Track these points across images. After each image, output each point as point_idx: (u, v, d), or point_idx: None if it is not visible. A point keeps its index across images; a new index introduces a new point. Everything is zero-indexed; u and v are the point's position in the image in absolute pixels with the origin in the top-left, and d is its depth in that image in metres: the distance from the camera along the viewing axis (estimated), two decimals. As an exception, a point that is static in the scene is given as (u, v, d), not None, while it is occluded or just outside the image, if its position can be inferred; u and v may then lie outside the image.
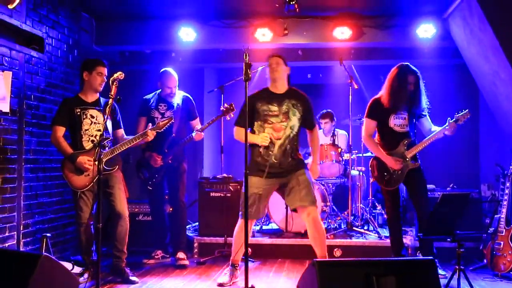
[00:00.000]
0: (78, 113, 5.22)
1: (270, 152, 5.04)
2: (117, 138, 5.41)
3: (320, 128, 7.28)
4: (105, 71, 5.25)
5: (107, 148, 5.12)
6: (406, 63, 5.52)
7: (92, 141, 5.21)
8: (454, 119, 5.38)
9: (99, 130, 5.21)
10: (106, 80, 5.25)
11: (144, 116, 6.17)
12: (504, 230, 5.52)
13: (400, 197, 5.74)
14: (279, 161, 5.05)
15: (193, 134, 6.00)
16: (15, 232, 5.36)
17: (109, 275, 5.38)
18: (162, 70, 6.22)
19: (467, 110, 5.38)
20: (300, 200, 5.00)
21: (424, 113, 5.62)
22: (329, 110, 7.84)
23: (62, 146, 5.19)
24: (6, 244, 5.22)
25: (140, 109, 6.26)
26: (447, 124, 5.40)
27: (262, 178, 5.03)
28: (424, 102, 5.54)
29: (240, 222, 5.18)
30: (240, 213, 5.20)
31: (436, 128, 5.55)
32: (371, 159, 5.81)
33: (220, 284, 5.17)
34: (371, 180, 6.00)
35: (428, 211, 5.34)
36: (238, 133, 5.20)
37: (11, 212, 5.29)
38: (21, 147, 5.47)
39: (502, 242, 5.50)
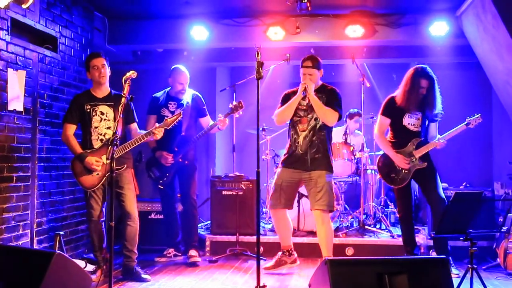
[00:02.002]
0: (88, 110, 5.25)
1: (297, 144, 5.37)
2: (130, 133, 5.42)
3: (346, 133, 7.14)
4: (99, 61, 5.23)
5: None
6: (423, 66, 5.52)
7: (101, 139, 5.23)
8: (465, 123, 5.39)
9: (109, 128, 5.24)
10: (106, 70, 5.26)
11: (153, 114, 6.19)
12: (517, 229, 5.49)
13: (412, 195, 5.72)
14: (305, 151, 5.32)
15: (217, 121, 5.98)
16: (29, 230, 5.40)
17: (121, 274, 5.40)
18: (173, 67, 6.25)
19: (479, 114, 5.38)
20: (315, 203, 5.29)
21: (436, 119, 5.62)
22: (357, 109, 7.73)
23: (72, 145, 5.22)
24: (20, 242, 5.25)
25: (149, 107, 6.28)
26: (458, 127, 5.38)
27: (286, 169, 5.42)
28: (438, 107, 5.53)
29: (271, 213, 5.63)
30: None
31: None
32: (379, 157, 5.82)
33: (265, 268, 5.47)
34: (378, 177, 5.99)
35: (441, 207, 5.34)
36: (278, 116, 5.49)
37: (24, 210, 5.33)
38: (35, 146, 5.51)
39: (515, 241, 5.46)
